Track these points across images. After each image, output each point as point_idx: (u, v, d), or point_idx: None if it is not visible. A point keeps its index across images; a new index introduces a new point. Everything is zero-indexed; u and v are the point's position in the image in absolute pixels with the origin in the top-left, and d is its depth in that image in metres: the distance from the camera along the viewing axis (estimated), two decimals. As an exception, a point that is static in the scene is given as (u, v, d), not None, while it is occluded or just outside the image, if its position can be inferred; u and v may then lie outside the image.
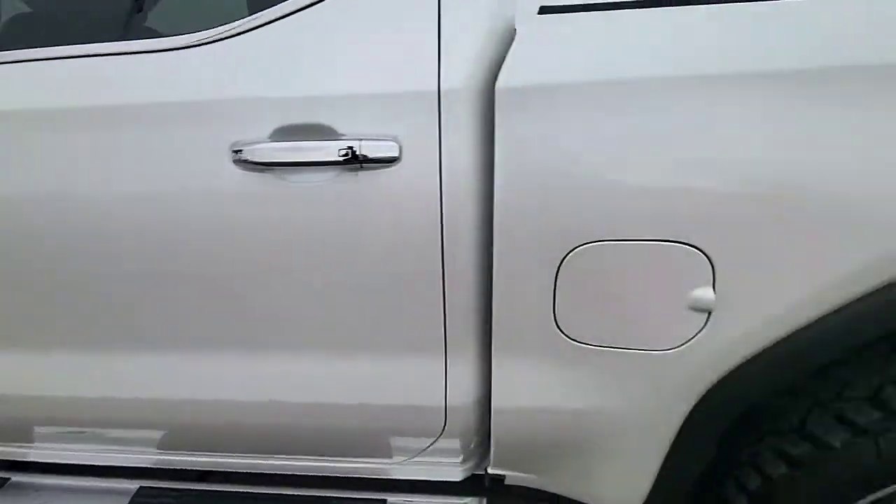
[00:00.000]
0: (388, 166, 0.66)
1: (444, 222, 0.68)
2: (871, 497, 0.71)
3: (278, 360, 0.81)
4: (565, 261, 0.68)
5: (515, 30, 0.64)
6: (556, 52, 0.64)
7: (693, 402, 0.73)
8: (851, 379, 0.74)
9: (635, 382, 0.74)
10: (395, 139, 0.65)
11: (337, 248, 0.71)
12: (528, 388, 0.78)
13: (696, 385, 0.72)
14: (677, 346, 0.71)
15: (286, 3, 0.67)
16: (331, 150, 0.65)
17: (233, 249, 0.73)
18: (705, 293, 0.66)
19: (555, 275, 0.69)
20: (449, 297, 0.73)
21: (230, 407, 0.83)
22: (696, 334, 0.69)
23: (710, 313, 0.67)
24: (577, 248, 0.67)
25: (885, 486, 0.70)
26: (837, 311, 0.64)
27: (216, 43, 0.67)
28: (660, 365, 0.72)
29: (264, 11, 0.66)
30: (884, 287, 0.62)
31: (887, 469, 0.67)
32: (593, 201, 0.65)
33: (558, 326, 0.73)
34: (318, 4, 0.66)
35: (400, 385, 0.79)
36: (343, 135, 0.66)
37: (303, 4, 0.67)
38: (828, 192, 0.60)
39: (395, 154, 0.65)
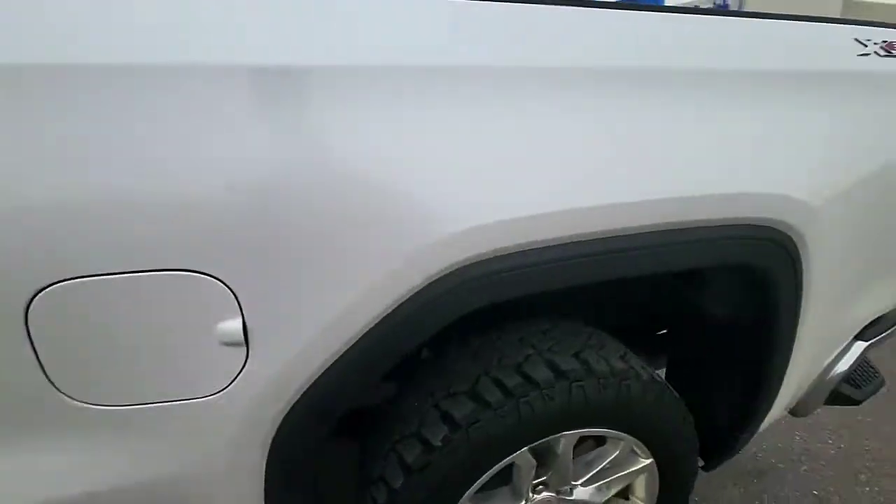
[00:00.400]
0: None
1: None
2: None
3: None
4: (33, 307, 0.51)
5: None
6: None
7: (268, 447, 0.64)
8: (455, 371, 0.77)
9: (186, 439, 0.62)
10: None
11: None
12: (50, 475, 0.58)
13: (261, 426, 0.63)
14: (221, 389, 0.60)
15: None
16: None
17: None
18: (233, 326, 0.57)
19: (24, 326, 0.51)
20: None
21: None
22: (240, 372, 0.60)
23: (247, 347, 0.59)
24: (49, 287, 0.51)
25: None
26: (385, 319, 0.61)
27: None
28: (208, 413, 0.61)
29: None
30: (431, 283, 0.61)
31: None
32: (66, 226, 0.50)
33: (58, 389, 0.55)
34: None
35: None
36: None
37: None
38: (331, 196, 0.56)
39: None
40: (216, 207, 0.53)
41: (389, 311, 0.61)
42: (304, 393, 0.62)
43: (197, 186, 0.52)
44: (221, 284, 0.55)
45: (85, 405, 0.56)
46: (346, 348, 0.61)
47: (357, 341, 0.61)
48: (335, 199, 0.56)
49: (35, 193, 0.49)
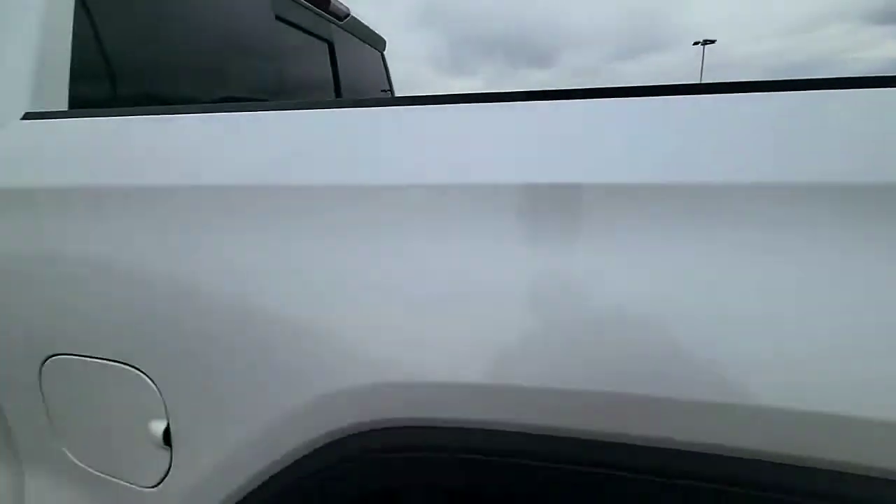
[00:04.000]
0: None
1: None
2: None
3: None
4: (43, 371, 0.62)
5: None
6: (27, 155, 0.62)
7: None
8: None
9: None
10: None
11: None
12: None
13: None
14: (155, 485, 0.60)
15: None
16: None
17: None
18: (158, 426, 0.57)
19: (39, 387, 0.63)
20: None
21: None
22: (167, 473, 0.59)
23: (171, 448, 0.57)
24: (50, 358, 0.61)
25: None
26: (299, 461, 0.52)
27: None
28: (149, 503, 0.61)
29: None
30: (332, 443, 0.50)
31: None
32: (52, 309, 0.60)
33: (62, 446, 0.65)
34: None
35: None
36: None
37: None
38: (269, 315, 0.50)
39: None
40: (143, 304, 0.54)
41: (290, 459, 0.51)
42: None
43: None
44: (150, 382, 0.56)
45: (75, 462, 0.65)
46: (262, 478, 0.54)
47: (273, 475, 0.53)
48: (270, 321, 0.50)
49: None
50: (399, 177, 0.47)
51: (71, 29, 0.72)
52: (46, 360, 0.61)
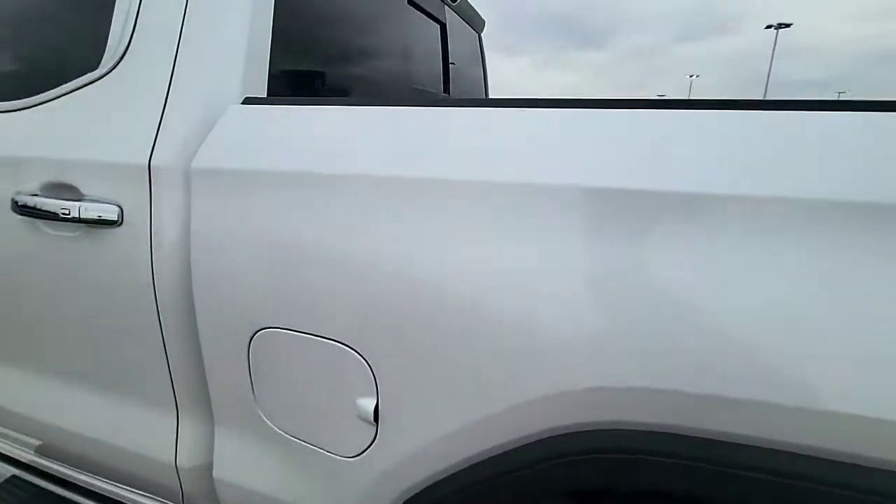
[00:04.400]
0: (110, 227, 0.72)
1: (156, 289, 0.71)
2: None
3: (60, 388, 0.88)
4: (253, 343, 0.67)
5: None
6: (249, 139, 0.66)
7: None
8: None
9: (329, 486, 0.69)
10: (117, 205, 0.71)
11: (84, 295, 0.78)
12: (244, 468, 0.76)
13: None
14: (354, 456, 0.65)
15: (64, 86, 0.78)
16: (63, 208, 0.73)
17: (17, 283, 0.83)
18: (368, 403, 0.61)
19: (247, 356, 0.68)
20: (171, 360, 0.75)
21: (48, 428, 0.91)
22: (369, 447, 0.63)
23: (377, 425, 0.62)
24: (260, 331, 0.66)
25: None
26: (508, 453, 0.55)
27: (21, 111, 0.81)
28: (345, 472, 0.67)
29: (50, 91, 0.79)
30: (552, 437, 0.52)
31: None
32: (270, 286, 0.64)
33: (259, 410, 0.71)
34: (83, 89, 0.77)
35: (136, 432, 0.82)
36: (85, 195, 0.73)
37: (73, 87, 0.77)
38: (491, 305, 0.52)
39: (115, 218, 0.71)
40: (367, 289, 0.58)
41: (508, 448, 0.54)
42: (425, 489, 0.61)
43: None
44: (364, 361, 0.60)
45: (270, 426, 0.71)
46: (464, 465, 0.57)
47: (475, 465, 0.56)
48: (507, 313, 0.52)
49: None
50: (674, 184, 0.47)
51: (271, 25, 0.76)
52: (258, 332, 0.66)
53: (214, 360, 0.72)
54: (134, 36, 0.75)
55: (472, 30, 2.03)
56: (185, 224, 0.69)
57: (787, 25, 40.93)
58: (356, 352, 0.60)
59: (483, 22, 2.11)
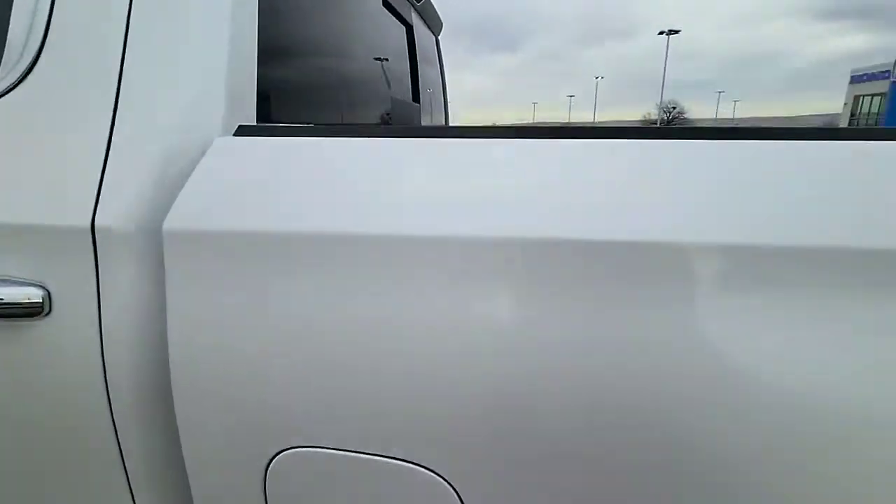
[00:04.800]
0: (30, 318, 0.49)
1: (111, 401, 0.49)
2: None
3: None
4: (272, 469, 0.48)
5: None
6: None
7: None
8: None
9: None
10: (41, 285, 0.48)
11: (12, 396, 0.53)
12: None
13: None
14: None
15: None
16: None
17: None
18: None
19: (262, 489, 0.49)
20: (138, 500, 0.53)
21: None
22: None
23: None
24: (284, 451, 0.47)
25: None
26: None
27: None
28: None
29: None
30: None
31: None
32: (302, 390, 0.46)
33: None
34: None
35: None
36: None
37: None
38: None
39: (38, 301, 0.48)
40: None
41: None
42: None
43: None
44: (447, 484, 0.44)
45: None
46: None
47: None
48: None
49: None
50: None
51: (255, 46, 0.56)
52: (280, 453, 0.47)
53: (208, 495, 0.51)
54: (50, 31, 0.52)
55: (431, 32, 1.88)
56: (153, 307, 0.48)
57: (677, 32, 45.19)
58: (433, 471, 0.44)
59: (441, 24, 1.97)
